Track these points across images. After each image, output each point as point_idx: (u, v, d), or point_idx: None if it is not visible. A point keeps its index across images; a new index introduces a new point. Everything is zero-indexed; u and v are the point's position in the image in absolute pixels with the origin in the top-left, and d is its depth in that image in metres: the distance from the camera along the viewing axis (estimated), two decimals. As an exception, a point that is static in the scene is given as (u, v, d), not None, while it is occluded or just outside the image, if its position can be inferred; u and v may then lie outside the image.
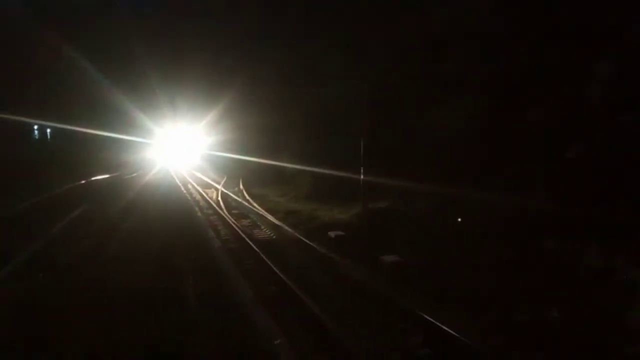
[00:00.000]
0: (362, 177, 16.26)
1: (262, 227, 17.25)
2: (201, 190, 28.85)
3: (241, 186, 30.12)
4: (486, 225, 12.43)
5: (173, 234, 14.72)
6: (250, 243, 13.61)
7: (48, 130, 36.03)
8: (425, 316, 7.64)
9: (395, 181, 16.41)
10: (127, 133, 43.02)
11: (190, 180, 35.78)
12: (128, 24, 36.92)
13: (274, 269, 10.74)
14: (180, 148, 59.41)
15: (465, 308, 8.13)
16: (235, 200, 24.81)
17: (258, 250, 12.56)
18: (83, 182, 29.25)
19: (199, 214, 20.08)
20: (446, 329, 7.10)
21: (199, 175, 40.47)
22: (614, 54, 11.45)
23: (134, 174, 39.13)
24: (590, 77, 12.05)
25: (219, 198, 25.33)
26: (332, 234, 14.29)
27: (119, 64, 37.46)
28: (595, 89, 11.84)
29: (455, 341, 6.80)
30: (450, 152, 15.58)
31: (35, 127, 34.72)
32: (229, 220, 17.96)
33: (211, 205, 22.79)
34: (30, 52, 25.21)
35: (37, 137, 35.39)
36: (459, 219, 11.71)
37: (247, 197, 25.55)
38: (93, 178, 31.33)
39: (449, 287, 9.27)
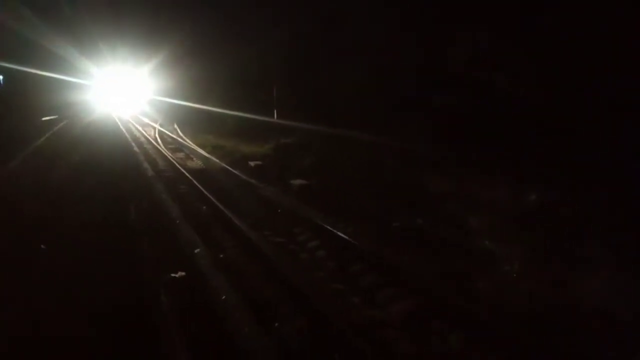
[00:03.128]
0: (275, 118, 15.92)
1: (194, 159, 16.55)
2: (141, 129, 27.09)
3: (176, 126, 28.65)
4: (370, 159, 12.70)
5: (118, 163, 13.71)
6: (184, 171, 13.00)
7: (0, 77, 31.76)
8: (324, 225, 7.72)
9: (301, 124, 16.24)
10: (68, 74, 38.33)
11: (132, 122, 33.39)
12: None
13: (204, 191, 10.34)
14: (123, 91, 51.19)
15: (355, 219, 8.27)
16: (171, 137, 23.59)
17: (190, 177, 12.03)
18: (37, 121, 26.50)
19: (137, 148, 18.84)
20: (339, 233, 7.21)
21: (142, 118, 37.68)
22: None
23: (80, 115, 35.65)
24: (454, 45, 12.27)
25: (157, 135, 23.93)
26: (252, 163, 13.96)
27: (60, 12, 33.14)
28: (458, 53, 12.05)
29: (346, 243, 6.93)
30: (345, 101, 15.57)
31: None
32: (165, 153, 17.06)
33: (149, 141, 21.50)
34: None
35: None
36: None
37: (181, 134, 24.38)
38: (43, 118, 28.41)
39: (343, 203, 9.38)
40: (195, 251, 6.44)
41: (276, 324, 4.58)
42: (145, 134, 24.62)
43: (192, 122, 28.95)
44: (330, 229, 7.48)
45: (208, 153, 17.02)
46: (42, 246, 6.22)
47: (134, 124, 31.63)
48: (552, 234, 6.38)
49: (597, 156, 7.30)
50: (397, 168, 11.58)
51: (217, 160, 15.18)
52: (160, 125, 29.17)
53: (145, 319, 4.41)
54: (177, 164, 14.25)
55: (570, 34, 8.15)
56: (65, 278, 5.15)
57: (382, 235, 7.43)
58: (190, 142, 20.59)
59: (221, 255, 6.59)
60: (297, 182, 10.93)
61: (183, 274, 5.78)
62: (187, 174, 12.41)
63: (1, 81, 32.55)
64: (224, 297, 4.98)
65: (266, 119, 17.31)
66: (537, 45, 8.71)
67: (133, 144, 20.04)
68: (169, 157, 16.08)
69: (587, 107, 7.84)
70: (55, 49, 33.61)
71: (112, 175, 11.92)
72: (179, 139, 22.21)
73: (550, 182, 7.55)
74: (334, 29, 17.01)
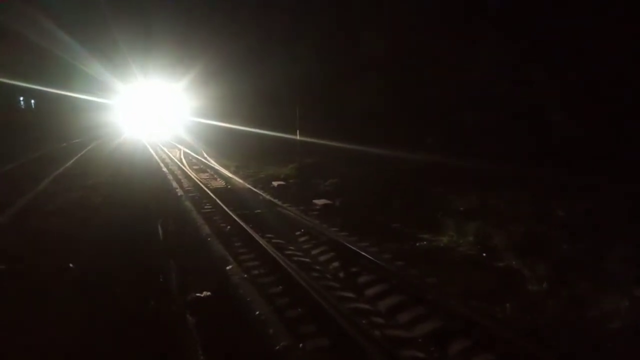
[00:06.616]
0: (298, 137, 16.19)
1: (218, 179, 16.91)
2: (167, 150, 27.83)
3: (202, 146, 29.36)
4: (391, 175, 12.79)
5: (145, 185, 14.08)
6: (208, 191, 13.28)
7: (32, 101, 33.32)
8: (348, 245, 7.81)
9: (323, 141, 16.51)
10: (98, 95, 39.43)
11: (159, 143, 34.24)
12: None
13: (228, 211, 10.56)
14: (153, 112, 50.85)
15: (379, 238, 8.35)
16: (196, 157, 24.17)
17: (215, 197, 12.28)
18: (64, 144, 27.79)
19: (165, 169, 19.35)
20: (363, 253, 7.28)
21: (169, 139, 38.36)
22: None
23: (108, 138, 36.77)
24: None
25: (182, 156, 24.58)
26: (275, 183, 14.20)
27: (89, 29, 34.52)
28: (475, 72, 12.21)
29: (369, 263, 7.01)
30: (364, 118, 15.85)
31: (21, 98, 32.09)
32: (190, 173, 17.52)
33: (175, 162, 22.10)
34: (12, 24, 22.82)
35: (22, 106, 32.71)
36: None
37: (205, 155, 24.95)
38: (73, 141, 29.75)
39: (366, 223, 9.48)
40: (227, 268, 6.67)
41: (300, 345, 4.68)
42: (171, 155, 25.29)
43: (217, 142, 29.56)
44: (354, 248, 7.56)
45: (232, 173, 17.36)
46: (71, 265, 6.47)
47: (161, 145, 32.48)
48: (577, 250, 6.32)
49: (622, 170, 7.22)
50: (422, 185, 11.62)
51: (241, 180, 15.46)
52: (186, 147, 29.90)
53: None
54: (202, 185, 14.52)
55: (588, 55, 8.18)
56: (94, 297, 5.36)
57: (406, 255, 7.47)
58: (215, 163, 21.05)
59: (245, 275, 6.74)
60: (320, 201, 11.09)
61: (208, 293, 5.96)
62: (212, 195, 12.63)
63: (33, 105, 34.07)
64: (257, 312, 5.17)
65: (290, 136, 17.61)
66: (557, 62, 8.75)
67: (161, 164, 20.59)
68: (193, 177, 16.43)
69: (612, 123, 7.80)
70: (87, 69, 34.90)
71: (140, 195, 12.26)
72: (204, 160, 22.70)
73: (574, 197, 7.48)
74: (355, 44, 17.41)
